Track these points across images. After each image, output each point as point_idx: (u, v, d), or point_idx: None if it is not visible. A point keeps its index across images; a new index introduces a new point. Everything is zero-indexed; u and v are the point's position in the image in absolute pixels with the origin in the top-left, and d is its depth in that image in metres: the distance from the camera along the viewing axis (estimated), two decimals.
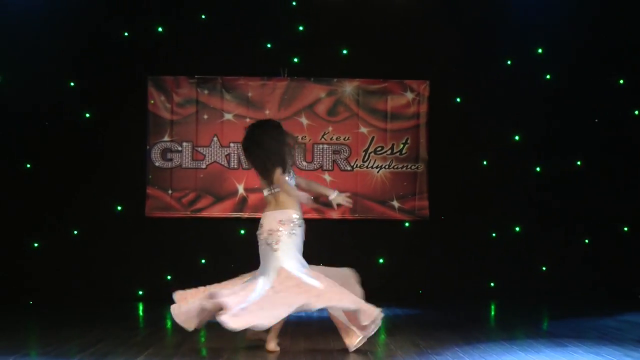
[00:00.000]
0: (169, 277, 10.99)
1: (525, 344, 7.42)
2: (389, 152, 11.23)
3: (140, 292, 10.98)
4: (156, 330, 8.30)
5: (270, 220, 7.00)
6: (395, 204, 11.19)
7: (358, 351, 6.89)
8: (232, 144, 11.13)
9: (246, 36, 11.15)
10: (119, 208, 11.04)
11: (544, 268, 11.32)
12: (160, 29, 11.10)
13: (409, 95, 11.31)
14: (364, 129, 11.23)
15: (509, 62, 11.39)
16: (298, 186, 7.22)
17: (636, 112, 11.44)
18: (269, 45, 11.21)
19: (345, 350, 6.88)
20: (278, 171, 6.95)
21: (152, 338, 7.72)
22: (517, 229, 11.34)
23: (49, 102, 10.93)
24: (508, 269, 11.24)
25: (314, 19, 11.19)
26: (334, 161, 11.15)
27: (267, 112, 11.14)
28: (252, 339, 7.11)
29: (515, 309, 10.11)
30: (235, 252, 11.02)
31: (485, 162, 11.34)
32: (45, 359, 6.55)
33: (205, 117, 11.19)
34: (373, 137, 11.23)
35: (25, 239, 10.89)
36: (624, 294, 11.15)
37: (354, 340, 6.89)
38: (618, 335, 8.02)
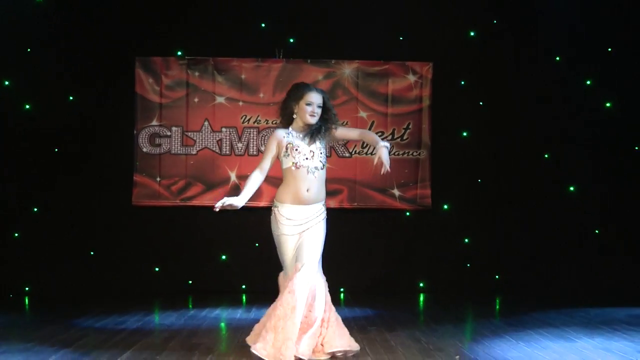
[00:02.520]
0: (157, 269, 10.99)
1: (532, 340, 7.44)
2: (389, 137, 11.19)
3: (126, 285, 10.93)
4: (143, 325, 8.28)
5: None
6: (396, 192, 11.17)
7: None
8: (224, 129, 11.11)
9: (239, 15, 11.10)
10: (104, 196, 10.99)
11: (550, 260, 11.30)
12: (148, 7, 11.02)
13: (411, 78, 11.28)
14: (363, 114, 11.19)
15: (516, 44, 11.33)
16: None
17: None
18: (263, 25, 11.16)
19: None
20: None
21: (139, 334, 7.72)
22: (525, 219, 11.31)
23: (32, 83, 10.88)
24: (515, 261, 11.22)
25: None
26: (331, 147, 11.06)
27: (261, 95, 11.12)
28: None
29: (522, 303, 10.09)
30: (228, 243, 11.06)
31: (491, 149, 11.29)
32: (26, 355, 6.55)
33: (196, 100, 11.16)
34: (373, 122, 11.19)
35: (5, 229, 10.85)
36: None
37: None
38: (629, 330, 8.02)
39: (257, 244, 10.91)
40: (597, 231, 11.34)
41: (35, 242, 10.86)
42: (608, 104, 11.34)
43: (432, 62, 11.27)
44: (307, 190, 6.49)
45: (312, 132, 6.52)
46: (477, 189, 11.26)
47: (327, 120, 6.57)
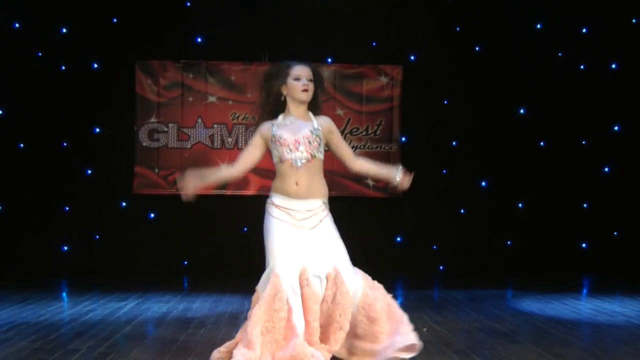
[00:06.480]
0: (155, 252, 10.98)
1: (490, 313, 7.49)
2: (364, 133, 11.24)
3: (127, 266, 10.89)
4: (143, 301, 8.27)
5: None
6: (370, 182, 11.19)
7: None
8: (215, 125, 11.11)
9: (229, 23, 11.06)
10: (108, 185, 10.96)
11: (509, 242, 11.40)
12: (147, 16, 10.98)
13: (383, 79, 11.31)
14: (340, 111, 11.21)
15: (477, 48, 11.39)
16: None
17: None
18: (251, 31, 11.13)
19: None
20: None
21: (139, 309, 7.73)
22: (485, 204, 11.37)
23: (44, 84, 10.83)
24: (476, 244, 11.28)
25: (295, 8, 11.09)
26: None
27: (249, 94, 11.10)
28: None
29: (482, 281, 10.13)
30: (219, 228, 11.07)
31: (454, 143, 11.37)
32: (39, 328, 6.54)
33: (190, 99, 11.15)
34: (349, 119, 11.22)
35: (21, 214, 10.82)
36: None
37: None
38: (577, 305, 8.10)
39: (245, 229, 10.94)
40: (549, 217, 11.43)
41: (44, 226, 10.83)
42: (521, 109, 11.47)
43: (402, 65, 11.31)
44: (296, 184, 5.09)
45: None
46: (442, 178, 11.31)
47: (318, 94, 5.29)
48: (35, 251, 10.76)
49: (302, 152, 5.09)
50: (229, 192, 11.05)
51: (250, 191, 10.99)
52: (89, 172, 10.98)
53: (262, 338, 4.84)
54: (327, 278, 5.04)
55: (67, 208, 10.94)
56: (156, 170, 11.07)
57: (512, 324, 6.94)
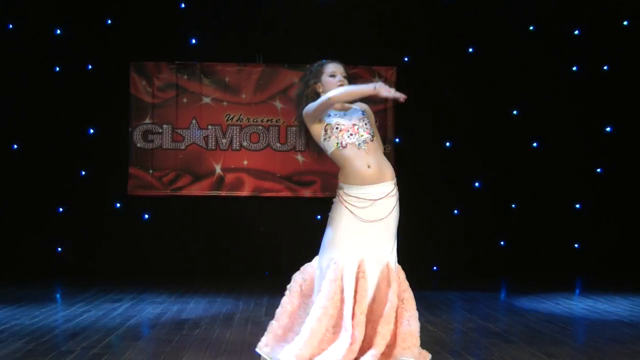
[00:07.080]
0: (149, 253, 10.95)
1: (484, 313, 7.48)
2: None
3: (122, 267, 10.87)
4: (137, 302, 8.25)
5: None
6: None
7: None
8: (210, 126, 11.08)
9: (223, 24, 11.06)
10: (103, 187, 10.93)
11: (502, 243, 11.40)
12: (142, 17, 10.96)
13: (377, 81, 11.28)
14: None
15: (471, 49, 11.39)
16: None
17: None
18: (245, 33, 11.13)
19: None
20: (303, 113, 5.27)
21: (134, 310, 7.71)
22: (477, 202, 11.38)
23: (37, 84, 10.81)
24: (470, 242, 11.27)
25: (289, 9, 11.09)
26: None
27: (243, 96, 11.10)
28: None
29: (477, 283, 10.13)
30: (214, 229, 11.05)
31: (447, 144, 11.37)
32: (34, 329, 6.52)
33: (185, 100, 11.12)
34: None
35: (12, 214, 10.79)
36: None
37: None
38: (570, 305, 8.09)
39: (238, 230, 10.93)
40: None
41: (38, 227, 10.80)
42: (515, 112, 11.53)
43: (395, 66, 11.30)
44: (369, 167, 5.13)
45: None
46: (436, 179, 11.29)
47: None
48: (29, 252, 10.72)
49: (362, 135, 5.12)
50: (223, 193, 11.03)
51: (245, 192, 10.96)
52: (84, 173, 10.94)
53: (319, 324, 4.87)
54: (379, 273, 5.09)
55: (62, 209, 10.91)
56: (151, 172, 11.04)
57: (505, 324, 6.94)
